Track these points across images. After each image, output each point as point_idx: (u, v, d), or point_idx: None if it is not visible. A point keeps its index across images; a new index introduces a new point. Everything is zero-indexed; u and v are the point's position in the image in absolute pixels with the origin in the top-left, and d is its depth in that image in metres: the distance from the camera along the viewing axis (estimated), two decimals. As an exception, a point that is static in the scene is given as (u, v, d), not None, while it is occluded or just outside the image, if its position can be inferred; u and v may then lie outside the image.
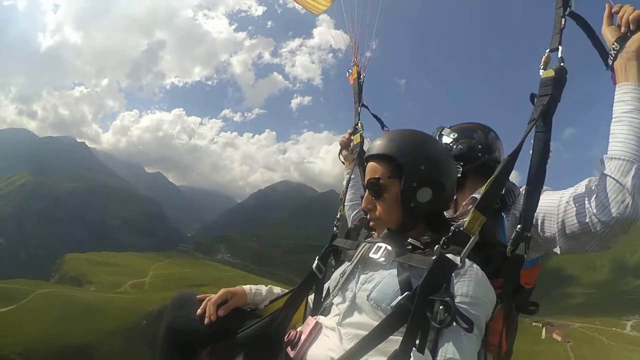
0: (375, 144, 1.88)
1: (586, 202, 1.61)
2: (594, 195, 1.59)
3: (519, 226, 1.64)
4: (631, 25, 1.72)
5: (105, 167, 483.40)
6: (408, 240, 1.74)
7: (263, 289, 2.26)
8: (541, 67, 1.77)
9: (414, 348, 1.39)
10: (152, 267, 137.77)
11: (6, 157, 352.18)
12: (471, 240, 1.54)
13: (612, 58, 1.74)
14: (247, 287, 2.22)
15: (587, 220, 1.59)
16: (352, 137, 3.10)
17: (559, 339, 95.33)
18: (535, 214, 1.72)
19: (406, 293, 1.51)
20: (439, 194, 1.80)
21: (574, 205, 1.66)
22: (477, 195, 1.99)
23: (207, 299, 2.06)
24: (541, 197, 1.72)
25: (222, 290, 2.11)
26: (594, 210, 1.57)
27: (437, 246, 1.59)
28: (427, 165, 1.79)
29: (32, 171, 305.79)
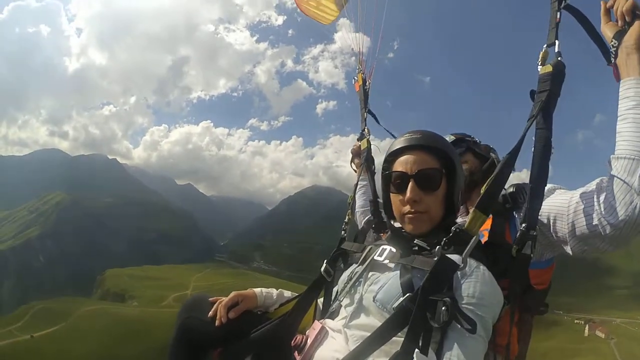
0: (416, 136, 1.84)
1: (595, 203, 1.58)
2: (603, 197, 1.56)
3: (523, 225, 1.63)
4: (627, 17, 1.71)
5: (137, 182, 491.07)
6: (414, 242, 1.74)
7: (274, 292, 2.30)
8: (539, 63, 1.76)
9: (417, 350, 1.38)
10: (192, 279, 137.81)
11: (41, 177, 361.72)
12: (472, 240, 1.53)
13: (613, 55, 1.72)
14: (257, 290, 2.24)
15: (596, 222, 1.56)
16: (360, 143, 3.14)
17: (602, 335, 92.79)
18: (547, 213, 1.75)
19: (408, 294, 1.51)
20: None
21: (583, 207, 1.63)
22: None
23: (218, 302, 2.10)
24: (553, 197, 1.76)
25: (233, 293, 2.14)
26: (603, 212, 1.54)
27: (438, 247, 1.59)
28: (462, 172, 1.86)
29: (66, 189, 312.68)
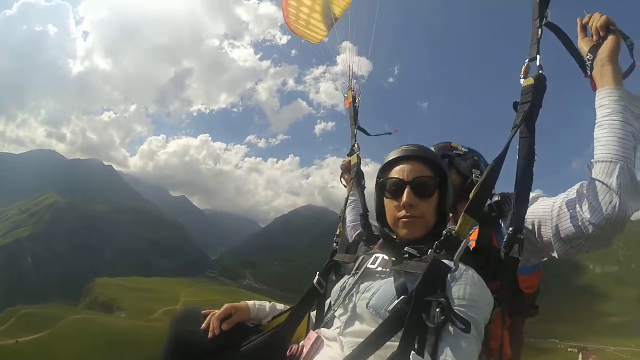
0: (411, 148, 1.96)
1: (577, 206, 1.67)
2: (585, 199, 1.65)
3: (510, 229, 1.68)
4: (601, 33, 1.84)
5: (132, 190, 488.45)
6: (405, 249, 1.79)
7: (267, 305, 2.30)
8: (522, 77, 1.84)
9: (413, 352, 1.41)
10: (182, 293, 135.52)
11: (35, 177, 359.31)
12: (463, 243, 1.59)
13: (589, 68, 1.84)
14: (250, 302, 2.25)
15: (579, 224, 1.65)
16: (350, 159, 3.24)
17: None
18: (532, 220, 1.84)
19: (402, 297, 1.56)
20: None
21: (566, 211, 1.72)
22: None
23: (211, 314, 2.10)
24: (536, 204, 1.86)
25: (226, 305, 2.14)
26: (585, 214, 1.62)
27: (430, 251, 1.66)
28: (451, 184, 1.98)
29: (60, 192, 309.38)
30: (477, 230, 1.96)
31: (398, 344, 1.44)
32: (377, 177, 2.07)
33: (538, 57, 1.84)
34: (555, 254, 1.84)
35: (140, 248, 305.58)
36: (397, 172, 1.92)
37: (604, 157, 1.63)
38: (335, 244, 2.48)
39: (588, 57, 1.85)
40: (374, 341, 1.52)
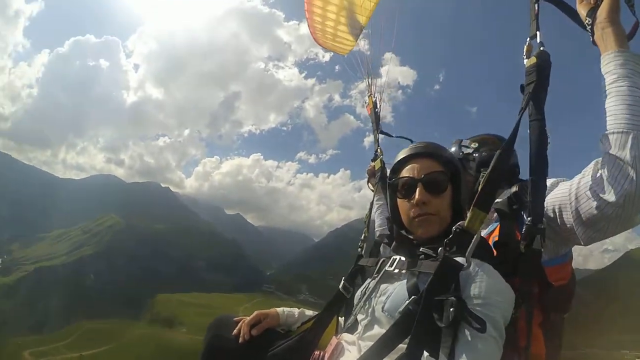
0: (419, 145, 1.94)
1: (593, 185, 1.55)
2: (599, 176, 1.53)
3: (528, 219, 1.59)
4: None
5: (188, 210, 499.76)
6: (420, 250, 1.74)
7: (295, 311, 2.35)
8: (524, 57, 1.76)
9: (426, 353, 1.37)
10: (240, 309, 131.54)
11: (96, 200, 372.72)
12: (474, 238, 1.51)
13: (590, 33, 1.73)
14: (280, 309, 2.31)
15: (598, 204, 1.52)
16: (374, 164, 3.30)
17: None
18: (552, 206, 1.72)
19: (412, 297, 1.52)
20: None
21: (583, 192, 1.59)
22: (499, 199, 1.96)
23: (242, 320, 2.18)
24: (556, 189, 1.74)
25: (255, 312, 2.22)
26: (601, 192, 1.51)
27: (440, 249, 1.58)
28: (465, 178, 1.93)
29: (120, 213, 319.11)
30: (499, 225, 1.90)
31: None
32: (388, 179, 2.05)
33: (538, 33, 1.75)
34: (580, 241, 1.71)
35: (197, 265, 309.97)
36: (407, 171, 1.89)
37: (615, 127, 1.50)
38: (359, 249, 2.47)
39: (587, 21, 1.74)
40: (383, 344, 1.48)
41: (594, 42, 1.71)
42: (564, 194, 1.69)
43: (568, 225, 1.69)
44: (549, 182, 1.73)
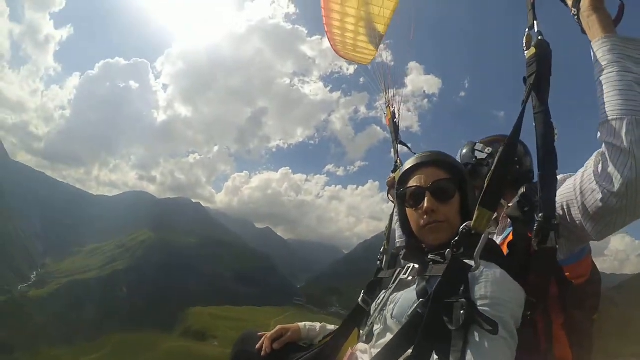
0: (425, 154, 1.96)
1: (595, 177, 1.50)
2: (600, 167, 1.49)
3: (540, 215, 1.54)
4: None
5: (219, 224, 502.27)
6: (429, 257, 1.74)
7: (317, 325, 2.39)
8: (524, 48, 1.72)
9: (436, 357, 1.35)
10: (272, 322, 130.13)
11: (129, 216, 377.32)
12: (482, 238, 1.48)
13: (577, 22, 1.69)
14: (301, 323, 2.38)
15: (601, 196, 1.47)
16: (394, 175, 3.26)
17: None
18: (560, 204, 1.66)
19: (420, 300, 1.51)
20: None
21: (587, 185, 1.54)
22: (513, 212, 1.92)
23: (265, 335, 2.28)
24: (563, 186, 1.68)
25: (278, 326, 2.31)
26: (604, 184, 1.46)
27: (447, 250, 1.57)
28: (472, 184, 1.92)
29: (152, 228, 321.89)
30: (512, 229, 1.88)
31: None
32: (396, 189, 2.05)
33: (535, 22, 1.73)
34: (591, 236, 1.64)
35: (228, 278, 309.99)
36: (414, 181, 1.90)
37: (609, 115, 1.45)
38: (379, 262, 2.48)
39: (573, 11, 1.71)
40: (390, 349, 1.48)
41: (583, 32, 1.68)
42: (570, 189, 1.64)
43: (577, 222, 1.63)
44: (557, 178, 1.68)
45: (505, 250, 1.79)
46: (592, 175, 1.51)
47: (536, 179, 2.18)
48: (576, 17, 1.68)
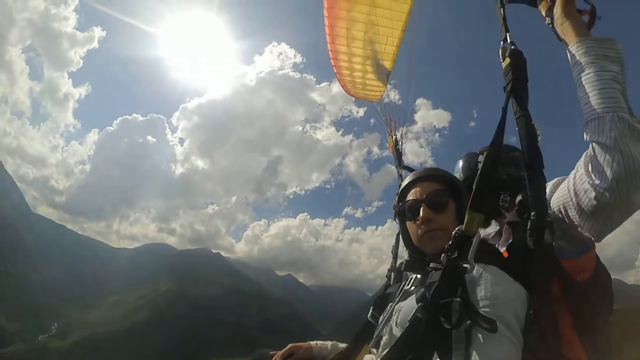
0: (420, 170, 2.10)
1: (587, 176, 1.54)
2: (590, 166, 1.53)
3: (532, 213, 1.56)
4: None
5: (240, 274, 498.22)
6: (430, 265, 1.78)
7: (329, 344, 2.45)
8: (501, 60, 1.79)
9: (438, 359, 1.38)
10: None
11: (149, 268, 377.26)
12: (474, 240, 1.52)
13: (554, 31, 1.78)
14: (313, 342, 2.44)
15: (594, 194, 1.50)
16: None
17: None
18: (557, 206, 1.70)
19: (419, 304, 1.54)
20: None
21: (580, 185, 1.58)
22: (512, 218, 1.94)
23: (277, 355, 2.33)
24: (558, 189, 1.73)
25: (289, 345, 2.37)
26: (596, 182, 1.49)
27: (442, 255, 1.61)
28: (466, 193, 1.92)
29: (173, 280, 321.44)
30: (513, 233, 1.91)
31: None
32: (395, 207, 2.19)
33: (507, 34, 1.81)
34: (591, 236, 1.65)
35: (252, 327, 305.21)
36: (411, 195, 2.01)
37: (591, 115, 1.52)
38: (387, 278, 2.58)
39: (547, 21, 1.80)
40: (392, 354, 1.51)
41: (559, 39, 1.76)
42: (564, 192, 1.67)
43: (576, 223, 1.65)
44: (551, 182, 1.77)
45: (506, 255, 1.82)
46: (584, 175, 1.55)
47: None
48: (551, 25, 1.77)
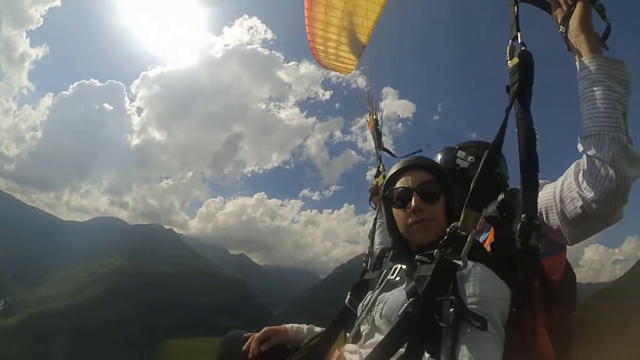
0: (410, 159, 2.07)
1: (576, 186, 1.62)
2: (581, 177, 1.60)
3: (523, 215, 1.62)
4: (569, 1, 1.79)
5: (193, 252, 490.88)
6: (416, 257, 1.79)
7: (304, 327, 2.41)
8: (507, 58, 1.79)
9: (428, 355, 1.38)
10: None
11: (100, 242, 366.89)
12: (469, 238, 1.53)
13: (564, 40, 1.80)
14: (289, 325, 2.39)
15: (581, 203, 1.59)
16: (377, 181, 3.39)
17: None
18: (539, 209, 1.73)
19: (411, 299, 1.55)
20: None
21: (567, 193, 1.66)
22: (493, 214, 1.99)
23: (252, 336, 2.25)
24: (542, 192, 1.76)
25: (265, 328, 2.29)
26: (585, 192, 1.57)
27: (436, 250, 1.61)
28: (454, 186, 2.02)
29: (124, 256, 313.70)
30: (492, 231, 1.97)
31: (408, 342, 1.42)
32: (383, 192, 2.13)
33: (519, 34, 1.81)
34: (567, 240, 1.79)
35: (204, 307, 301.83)
36: (401, 182, 2.00)
37: (593, 130, 1.57)
38: (364, 264, 2.53)
39: (561, 29, 1.80)
40: (384, 348, 1.50)
41: (569, 49, 1.79)
42: (549, 196, 1.76)
43: (554, 227, 1.77)
44: None
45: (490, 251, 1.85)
46: (573, 184, 1.64)
47: (511, 185, 2.34)
48: (564, 34, 1.79)
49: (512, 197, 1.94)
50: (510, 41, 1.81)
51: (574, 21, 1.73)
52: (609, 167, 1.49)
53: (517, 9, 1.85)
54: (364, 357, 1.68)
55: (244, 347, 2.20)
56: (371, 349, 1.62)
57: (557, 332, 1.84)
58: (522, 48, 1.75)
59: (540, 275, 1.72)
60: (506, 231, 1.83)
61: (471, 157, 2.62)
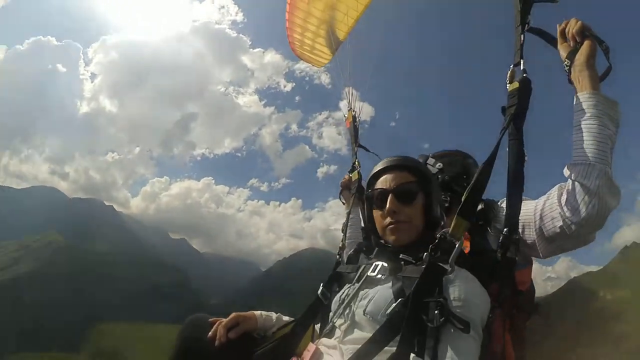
0: (393, 158, 2.08)
1: (558, 207, 1.75)
2: (564, 200, 1.74)
3: (505, 230, 1.75)
4: (577, 38, 1.90)
5: (132, 232, 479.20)
6: (400, 256, 1.84)
7: (273, 315, 2.37)
8: (507, 82, 1.92)
9: (412, 354, 1.45)
10: None
11: (35, 214, 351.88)
12: (457, 244, 1.61)
13: (567, 73, 1.91)
14: (257, 312, 2.31)
15: (561, 224, 1.73)
16: (350, 176, 3.41)
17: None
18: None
19: (400, 299, 1.61)
20: (443, 213, 2.04)
21: (549, 212, 1.79)
22: None
23: (218, 322, 2.13)
24: (522, 207, 1.83)
25: (233, 314, 2.19)
26: (567, 214, 1.71)
27: (426, 254, 1.68)
28: (437, 187, 2.08)
29: (60, 230, 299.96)
30: (469, 238, 2.04)
31: (396, 347, 1.46)
32: (365, 191, 2.17)
33: (522, 61, 1.91)
34: (540, 254, 1.92)
35: (140, 291, 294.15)
36: (380, 183, 2.03)
37: (583, 159, 1.71)
38: (338, 256, 2.58)
39: (566, 62, 1.92)
40: (373, 345, 1.54)
41: (569, 81, 1.90)
42: (529, 213, 1.87)
43: (529, 242, 1.90)
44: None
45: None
46: (555, 204, 1.77)
47: (493, 193, 2.33)
48: (567, 68, 1.91)
49: (489, 207, 2.06)
50: (511, 66, 1.93)
51: (580, 57, 1.84)
52: (593, 195, 1.64)
53: (524, 38, 1.95)
54: (345, 353, 1.70)
55: (210, 333, 2.08)
56: (352, 345, 1.68)
57: (518, 338, 1.95)
58: (524, 75, 1.86)
59: (513, 287, 1.83)
60: (480, 239, 1.98)
61: (439, 164, 2.70)
